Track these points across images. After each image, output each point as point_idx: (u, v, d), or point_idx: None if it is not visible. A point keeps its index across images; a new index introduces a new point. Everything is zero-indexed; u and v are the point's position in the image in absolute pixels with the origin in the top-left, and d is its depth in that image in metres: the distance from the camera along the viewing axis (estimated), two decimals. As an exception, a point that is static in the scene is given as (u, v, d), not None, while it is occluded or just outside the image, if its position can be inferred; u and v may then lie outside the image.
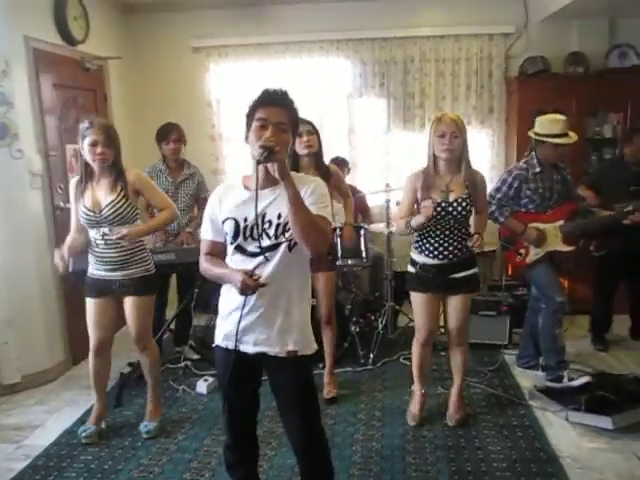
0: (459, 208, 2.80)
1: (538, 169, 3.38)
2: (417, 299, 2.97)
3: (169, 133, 3.87)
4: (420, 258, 2.94)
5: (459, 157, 2.79)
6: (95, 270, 2.90)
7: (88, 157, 2.76)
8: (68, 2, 4.01)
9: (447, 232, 2.84)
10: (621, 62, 4.70)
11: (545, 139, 3.30)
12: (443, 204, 2.80)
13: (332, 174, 3.27)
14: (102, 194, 2.81)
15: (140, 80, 5.10)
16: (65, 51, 4.10)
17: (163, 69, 5.10)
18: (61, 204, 3.96)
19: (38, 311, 3.75)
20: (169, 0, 4.85)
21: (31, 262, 3.69)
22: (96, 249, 2.87)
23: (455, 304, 2.95)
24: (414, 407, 3.13)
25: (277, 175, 1.77)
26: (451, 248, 2.85)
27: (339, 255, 3.68)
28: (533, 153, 3.42)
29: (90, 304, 2.94)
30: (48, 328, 3.82)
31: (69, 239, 2.93)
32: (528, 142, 3.47)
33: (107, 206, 2.79)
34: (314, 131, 3.18)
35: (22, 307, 3.64)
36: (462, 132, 2.75)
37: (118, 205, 2.80)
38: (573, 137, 3.32)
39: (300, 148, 3.14)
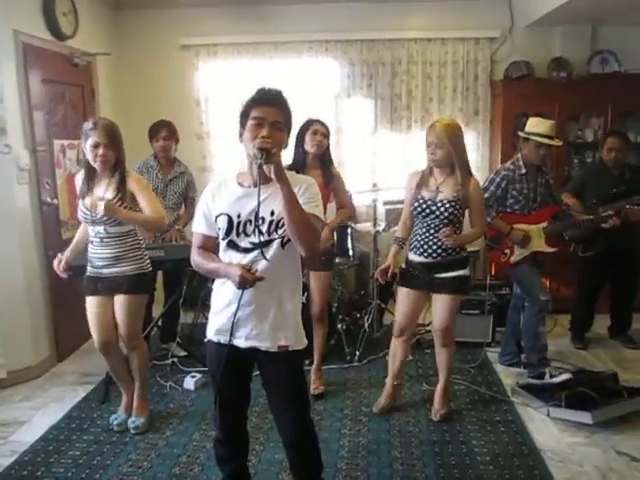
0: (442, 209, 2.86)
1: (524, 170, 3.47)
2: (401, 294, 3.07)
3: (159, 131, 3.87)
4: (410, 255, 3.03)
5: (450, 163, 2.86)
6: (91, 267, 2.92)
7: (90, 157, 2.76)
8: (57, -3, 4.00)
9: (432, 231, 2.91)
10: (602, 68, 4.82)
11: (530, 137, 3.41)
12: (429, 202, 2.88)
13: (335, 177, 3.35)
14: (100, 195, 2.81)
15: (128, 77, 5.09)
16: (54, 46, 4.08)
17: (152, 66, 5.10)
18: (48, 199, 3.95)
19: (24, 308, 3.72)
20: (158, -3, 4.88)
21: (17, 258, 3.67)
22: (92, 246, 2.88)
23: (439, 304, 3.00)
24: (381, 397, 3.22)
25: (273, 176, 1.81)
26: (435, 247, 2.91)
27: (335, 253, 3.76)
28: (519, 155, 3.53)
29: (88, 302, 2.94)
30: (34, 325, 3.80)
31: (77, 237, 3.02)
32: (514, 145, 3.57)
33: None
34: (327, 135, 3.30)
35: (8, 303, 3.62)
36: (448, 141, 2.80)
37: None
38: (557, 142, 3.44)
39: (310, 145, 3.23)
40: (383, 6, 4.93)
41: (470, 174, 2.94)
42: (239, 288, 1.89)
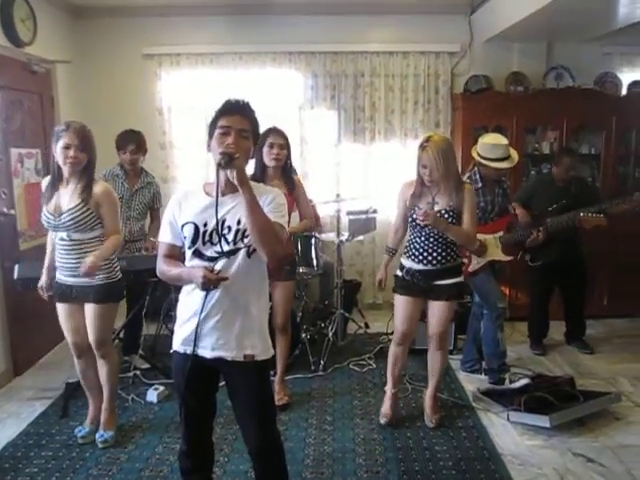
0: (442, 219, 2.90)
1: (480, 184, 3.54)
2: (399, 301, 3.07)
3: (127, 144, 3.78)
4: (407, 262, 3.05)
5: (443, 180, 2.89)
6: (59, 274, 2.87)
7: (60, 160, 2.72)
8: (15, 3, 3.92)
9: (431, 239, 2.95)
10: (557, 83, 5.00)
11: (487, 163, 3.44)
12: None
13: (297, 186, 3.35)
14: (65, 200, 2.77)
15: (90, 85, 5.00)
16: (11, 52, 3.99)
17: (114, 75, 5.03)
18: (4, 210, 3.84)
19: (-21, 320, 3.61)
20: (121, 5, 4.83)
21: (-28, 269, 3.56)
22: (58, 253, 2.84)
23: (436, 310, 3.06)
24: (385, 407, 3.21)
25: (235, 181, 1.83)
26: (435, 254, 2.95)
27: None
28: (476, 169, 3.58)
29: (59, 308, 2.92)
30: (-11, 338, 3.69)
31: (48, 252, 2.96)
32: (471, 157, 3.63)
33: (66, 212, 2.75)
34: (286, 146, 3.25)
35: (-38, 316, 3.50)
36: (443, 163, 2.81)
37: (77, 213, 2.75)
38: (514, 159, 3.48)
39: (268, 159, 3.21)
40: (346, 19, 5.01)
41: (462, 181, 3.00)
42: (203, 289, 1.90)
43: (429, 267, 2.97)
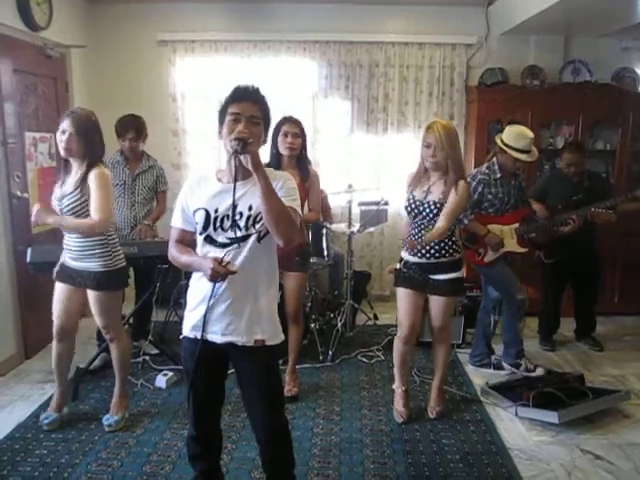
0: (428, 210, 2.89)
1: (499, 175, 3.52)
2: (400, 294, 3.06)
3: (126, 131, 3.74)
4: (404, 255, 3.04)
5: (446, 165, 2.85)
6: (64, 256, 2.92)
7: (59, 143, 2.76)
8: (31, -13, 3.92)
9: (423, 232, 2.92)
10: (574, 77, 4.94)
11: (508, 150, 3.42)
12: (418, 202, 2.92)
13: (311, 176, 3.30)
14: (69, 185, 2.80)
15: (104, 70, 5.01)
16: (26, 36, 3.99)
17: (128, 61, 5.03)
18: (18, 193, 3.86)
19: (-10, 303, 3.64)
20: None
21: (-15, 252, 3.59)
22: (65, 237, 2.88)
23: (435, 305, 3.04)
24: (398, 405, 3.18)
25: (250, 166, 1.82)
26: (428, 247, 2.93)
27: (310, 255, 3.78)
28: (494, 159, 3.56)
29: (57, 288, 2.94)
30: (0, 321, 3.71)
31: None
32: (488, 149, 3.59)
33: (65, 197, 2.78)
34: (300, 134, 3.21)
35: (-26, 298, 3.53)
36: (447, 144, 2.79)
37: (72, 199, 2.76)
38: (534, 154, 3.46)
39: (282, 148, 3.18)
40: (362, 9, 4.97)
41: (463, 177, 2.90)
42: (211, 281, 1.90)
43: (423, 260, 2.95)
